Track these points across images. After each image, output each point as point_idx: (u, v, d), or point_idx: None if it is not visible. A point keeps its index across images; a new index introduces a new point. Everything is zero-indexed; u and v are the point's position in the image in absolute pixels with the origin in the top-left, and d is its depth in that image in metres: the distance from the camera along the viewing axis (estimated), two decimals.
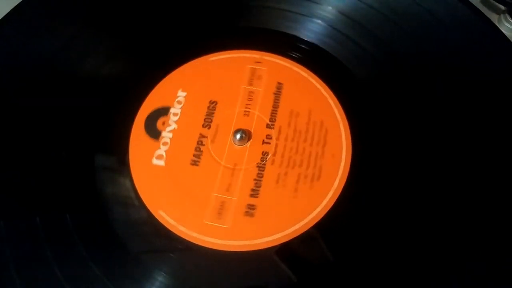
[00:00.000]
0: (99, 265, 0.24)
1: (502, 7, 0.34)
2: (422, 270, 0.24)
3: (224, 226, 0.26)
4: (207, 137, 0.29)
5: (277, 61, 0.32)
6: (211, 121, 0.30)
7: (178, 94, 0.31)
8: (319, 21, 0.33)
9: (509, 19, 0.33)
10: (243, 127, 0.29)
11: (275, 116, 0.30)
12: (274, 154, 0.28)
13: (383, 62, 0.31)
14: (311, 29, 0.33)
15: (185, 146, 0.29)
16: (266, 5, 0.34)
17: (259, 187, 0.27)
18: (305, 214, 0.26)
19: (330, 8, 0.33)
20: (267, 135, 0.29)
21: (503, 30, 0.32)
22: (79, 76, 0.31)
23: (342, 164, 0.28)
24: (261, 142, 0.29)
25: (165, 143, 0.29)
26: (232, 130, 0.29)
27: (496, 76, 0.30)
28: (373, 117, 0.29)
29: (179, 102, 0.31)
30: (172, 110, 0.30)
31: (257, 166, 0.28)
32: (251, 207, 0.27)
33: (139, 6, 0.34)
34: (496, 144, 0.28)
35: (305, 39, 0.33)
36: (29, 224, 0.25)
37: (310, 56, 0.32)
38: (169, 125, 0.30)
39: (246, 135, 0.29)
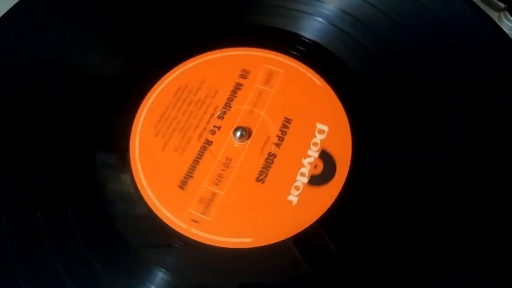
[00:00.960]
0: (100, 259, 0.25)
1: (502, 5, 0.34)
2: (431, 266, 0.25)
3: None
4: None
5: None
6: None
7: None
8: (320, 18, 0.33)
9: (509, 17, 0.33)
10: (244, 124, 0.29)
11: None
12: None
13: (384, 60, 0.31)
14: (312, 27, 0.33)
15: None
16: (267, 2, 0.34)
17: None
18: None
19: (331, 6, 0.33)
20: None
21: (503, 28, 0.32)
22: (80, 74, 0.31)
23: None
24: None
25: None
26: (233, 128, 0.29)
27: (497, 74, 0.30)
28: (373, 115, 0.30)
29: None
30: None
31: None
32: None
33: (140, 4, 0.34)
34: (498, 143, 0.28)
35: (306, 37, 0.33)
36: (31, 220, 0.25)
37: (311, 54, 0.32)
38: None
39: (246, 133, 0.29)
